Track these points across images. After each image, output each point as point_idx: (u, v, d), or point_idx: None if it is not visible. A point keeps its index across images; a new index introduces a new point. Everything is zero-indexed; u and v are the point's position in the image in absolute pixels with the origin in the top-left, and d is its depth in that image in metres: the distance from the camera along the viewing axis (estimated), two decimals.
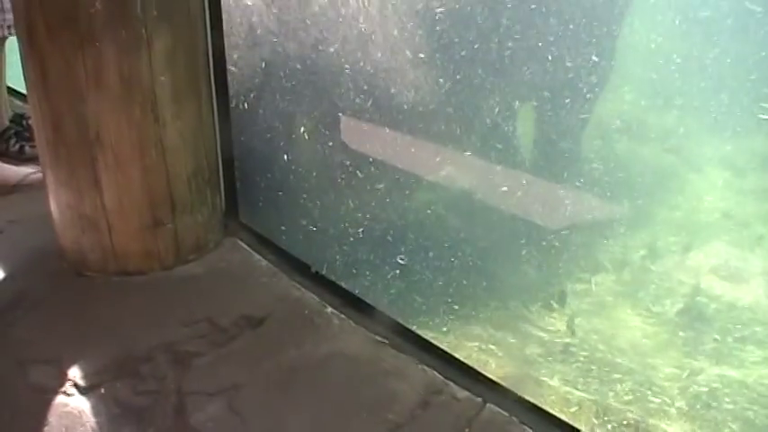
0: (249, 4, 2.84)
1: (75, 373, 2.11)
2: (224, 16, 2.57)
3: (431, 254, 3.37)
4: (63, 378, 2.10)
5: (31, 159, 3.55)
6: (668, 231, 4.55)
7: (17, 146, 3.67)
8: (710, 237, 4.45)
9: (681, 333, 3.60)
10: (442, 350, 2.30)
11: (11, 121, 3.79)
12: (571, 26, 3.84)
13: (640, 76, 5.59)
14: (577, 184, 4.38)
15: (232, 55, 2.71)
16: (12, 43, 3.64)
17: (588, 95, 4.39)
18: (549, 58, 3.82)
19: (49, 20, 2.26)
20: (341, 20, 2.95)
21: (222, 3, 2.55)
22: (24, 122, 3.82)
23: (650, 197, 4.74)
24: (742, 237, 4.44)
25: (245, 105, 2.79)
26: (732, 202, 4.93)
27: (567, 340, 3.37)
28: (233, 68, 2.71)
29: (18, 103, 4.14)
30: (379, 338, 2.20)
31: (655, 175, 5.22)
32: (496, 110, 3.79)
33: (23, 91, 4.12)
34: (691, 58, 5.82)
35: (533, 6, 3.64)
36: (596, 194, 4.37)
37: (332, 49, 2.91)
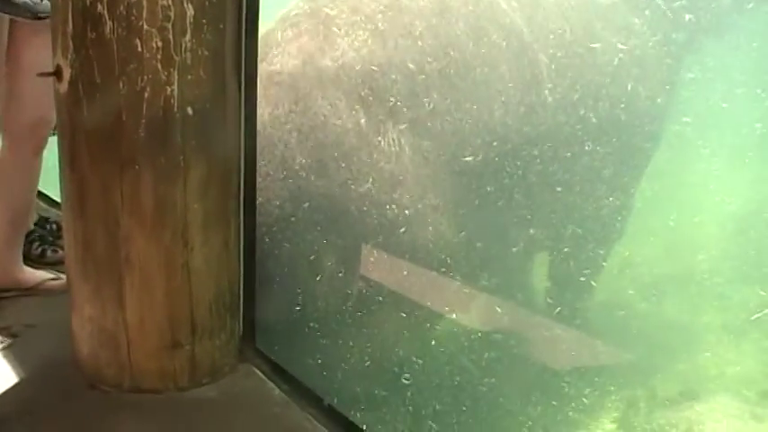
0: (285, 138, 2.95)
1: None
2: (258, 148, 2.66)
3: (439, 391, 3.39)
4: None
5: (53, 264, 3.60)
6: (672, 382, 4.56)
7: (39, 249, 3.72)
8: (716, 390, 4.45)
9: None
10: None
11: (35, 224, 3.86)
12: (591, 177, 3.98)
13: (657, 226, 5.69)
14: (588, 329, 4.43)
15: (262, 186, 2.80)
16: None
17: (603, 244, 4.50)
18: (568, 207, 3.94)
19: (92, 143, 2.36)
20: (371, 161, 3.06)
21: (258, 135, 2.64)
22: (48, 226, 3.89)
23: (661, 348, 4.77)
24: (748, 394, 4.44)
25: (271, 235, 2.86)
26: (741, 360, 4.95)
27: None
28: (261, 199, 2.79)
29: (43, 205, 4.21)
30: None
31: (663, 325, 5.26)
32: (513, 255, 3.88)
33: (49, 194, 4.24)
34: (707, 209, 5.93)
35: (554, 159, 3.77)
36: (604, 341, 4.41)
37: (361, 189, 3.01)
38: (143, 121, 2.30)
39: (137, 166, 2.33)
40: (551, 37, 3.84)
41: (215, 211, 2.48)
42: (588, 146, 3.90)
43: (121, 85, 2.27)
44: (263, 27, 3.11)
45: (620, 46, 4.14)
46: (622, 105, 4.16)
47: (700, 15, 4.85)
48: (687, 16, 4.69)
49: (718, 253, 6.20)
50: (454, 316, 3.64)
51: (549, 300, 4.51)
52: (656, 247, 6.14)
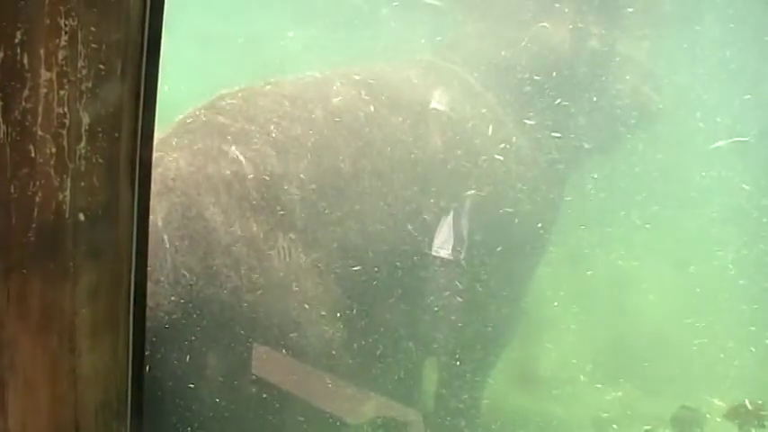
0: (177, 244, 2.98)
1: None
2: (150, 254, 2.67)
3: None
4: None
5: None
6: None
7: None
8: None
9: None
10: None
11: None
12: (478, 284, 4.11)
13: (543, 327, 5.86)
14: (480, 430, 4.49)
15: (153, 292, 2.80)
16: None
17: (492, 348, 4.61)
18: (455, 314, 4.05)
19: None
20: (262, 269, 3.10)
21: (150, 241, 2.66)
22: None
23: None
24: None
25: (161, 342, 2.85)
26: None
27: None
28: (152, 305, 2.79)
29: None
30: None
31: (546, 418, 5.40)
32: (403, 361, 3.94)
33: None
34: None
35: (441, 269, 3.89)
36: None
37: (251, 297, 3.04)
38: (33, 225, 2.29)
39: (24, 270, 2.31)
40: (438, 152, 4.01)
41: (104, 317, 2.47)
42: (474, 255, 4.04)
43: (13, 189, 2.27)
44: (159, 133, 3.17)
45: (492, 152, 4.34)
46: (509, 217, 4.33)
47: (581, 134, 5.14)
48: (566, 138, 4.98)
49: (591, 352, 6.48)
50: (348, 420, 3.66)
51: (439, 403, 4.57)
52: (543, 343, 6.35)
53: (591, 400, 6.02)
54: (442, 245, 3.89)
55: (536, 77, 5.12)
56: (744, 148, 7.32)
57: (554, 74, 5.19)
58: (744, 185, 7.63)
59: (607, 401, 6.09)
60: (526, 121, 4.88)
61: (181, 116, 3.56)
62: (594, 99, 5.33)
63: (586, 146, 5.30)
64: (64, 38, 2.24)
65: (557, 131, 5.01)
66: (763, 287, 7.28)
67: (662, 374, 6.37)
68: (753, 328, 6.98)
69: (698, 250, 7.66)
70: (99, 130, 2.33)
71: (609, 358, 6.50)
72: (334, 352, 3.37)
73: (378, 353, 3.70)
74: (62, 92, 2.25)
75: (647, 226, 7.26)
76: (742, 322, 7.04)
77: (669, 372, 6.41)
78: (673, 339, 6.70)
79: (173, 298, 2.93)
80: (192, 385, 2.92)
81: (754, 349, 6.82)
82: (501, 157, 4.35)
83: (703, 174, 7.57)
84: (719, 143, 7.15)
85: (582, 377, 6.17)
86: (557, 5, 5.71)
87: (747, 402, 5.58)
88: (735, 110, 7.54)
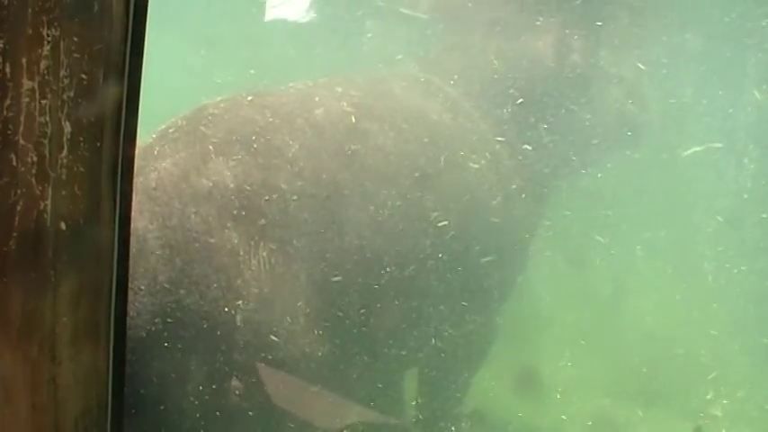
0: (158, 253, 2.98)
1: None
2: (131, 262, 2.68)
3: None
4: None
5: None
6: None
7: None
8: None
9: None
10: None
11: None
12: (455, 297, 4.13)
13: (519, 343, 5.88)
14: None
15: (133, 300, 2.81)
16: None
17: (469, 359, 4.62)
18: (433, 325, 4.07)
19: None
20: (242, 279, 3.11)
21: (131, 249, 2.67)
22: None
23: None
24: None
25: (141, 350, 2.85)
26: None
27: None
28: (133, 314, 2.79)
29: None
30: None
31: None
32: (381, 371, 3.95)
33: None
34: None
35: (419, 281, 3.91)
36: None
37: (231, 306, 3.05)
38: (14, 234, 2.29)
39: (5, 279, 2.31)
40: (419, 164, 4.03)
41: (85, 326, 2.47)
42: (453, 267, 4.06)
43: None
44: (141, 142, 3.18)
45: (472, 164, 4.37)
46: (490, 227, 4.36)
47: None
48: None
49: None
50: (328, 429, 3.66)
51: (420, 412, 4.58)
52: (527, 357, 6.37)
53: (585, 409, 6.04)
54: (423, 254, 3.90)
55: (517, 90, 5.16)
56: (720, 155, 7.40)
57: (536, 87, 5.23)
58: (729, 190, 7.70)
59: (601, 409, 6.11)
60: (507, 133, 4.91)
61: (163, 126, 3.57)
62: (577, 110, 5.36)
63: (569, 158, 5.33)
64: (46, 47, 2.25)
65: (538, 144, 5.05)
66: (754, 294, 7.33)
67: (656, 382, 6.38)
68: (745, 337, 7.02)
69: (689, 258, 7.69)
70: (81, 139, 2.34)
71: (604, 365, 6.52)
72: (314, 361, 3.38)
73: (358, 362, 3.71)
74: (44, 101, 2.26)
75: (646, 234, 7.29)
76: (734, 328, 7.07)
77: (664, 379, 6.42)
78: (667, 347, 6.72)
79: (153, 307, 2.94)
80: (172, 394, 2.92)
81: (746, 357, 6.87)
82: (477, 165, 4.38)
83: (688, 181, 7.62)
84: (696, 148, 7.21)
85: (573, 386, 6.18)
86: (540, 19, 5.75)
87: None
88: (708, 117, 7.61)
